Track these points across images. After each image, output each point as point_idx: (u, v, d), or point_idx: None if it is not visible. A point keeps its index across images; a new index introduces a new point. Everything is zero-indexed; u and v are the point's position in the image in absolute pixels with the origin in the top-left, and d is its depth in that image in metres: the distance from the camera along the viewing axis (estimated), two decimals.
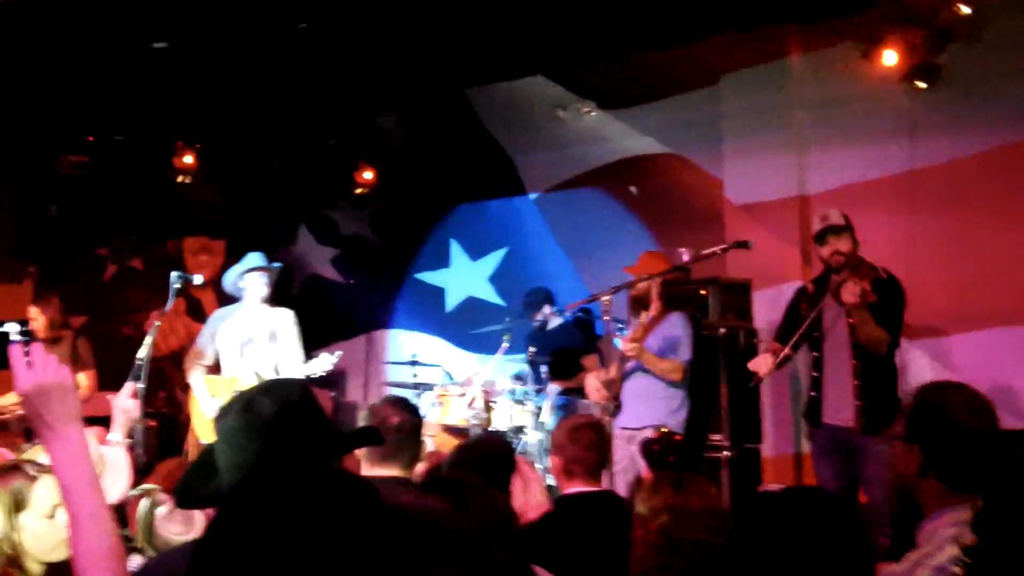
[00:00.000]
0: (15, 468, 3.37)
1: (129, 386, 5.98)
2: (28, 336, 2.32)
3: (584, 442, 5.07)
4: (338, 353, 8.36)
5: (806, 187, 9.70)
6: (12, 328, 2.22)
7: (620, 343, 7.84)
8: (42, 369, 2.36)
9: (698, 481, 3.90)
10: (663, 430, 7.38)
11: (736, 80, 10.06)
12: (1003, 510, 2.17)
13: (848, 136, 9.50)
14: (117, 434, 5.45)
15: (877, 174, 9.33)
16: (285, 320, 8.66)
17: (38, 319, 9.28)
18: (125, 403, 5.68)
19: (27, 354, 2.36)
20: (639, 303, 7.92)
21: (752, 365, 7.41)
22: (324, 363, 8.24)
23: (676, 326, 7.84)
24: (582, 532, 4.66)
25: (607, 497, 5.06)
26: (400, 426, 4.86)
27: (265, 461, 2.69)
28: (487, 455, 4.48)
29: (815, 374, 7.27)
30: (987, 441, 3.39)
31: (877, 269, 7.11)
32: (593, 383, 8.01)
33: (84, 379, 9.31)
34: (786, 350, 7.18)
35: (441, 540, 2.26)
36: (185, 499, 2.95)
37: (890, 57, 8.67)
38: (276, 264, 8.79)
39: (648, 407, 7.65)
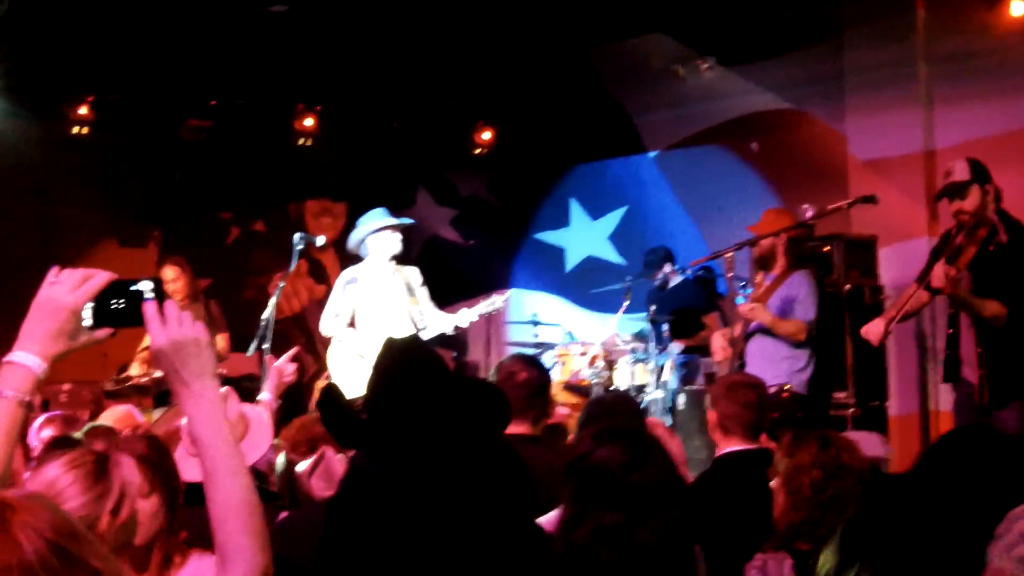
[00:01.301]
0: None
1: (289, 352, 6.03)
2: (162, 293, 2.35)
3: (740, 399, 5.03)
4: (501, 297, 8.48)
5: (932, 142, 9.49)
6: (145, 286, 2.26)
7: (740, 306, 7.73)
8: (176, 325, 2.37)
9: (840, 437, 3.91)
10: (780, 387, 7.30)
11: (860, 34, 9.86)
12: None
13: (975, 90, 9.28)
14: (267, 394, 5.54)
15: (1005, 128, 9.10)
16: (416, 276, 8.67)
17: (177, 280, 9.43)
18: (286, 366, 5.77)
19: (162, 310, 2.38)
20: (763, 262, 7.83)
21: (864, 332, 7.25)
22: (471, 314, 8.28)
23: (800, 285, 7.70)
24: (740, 492, 4.62)
25: (765, 456, 4.85)
26: (527, 382, 4.87)
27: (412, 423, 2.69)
28: (617, 411, 4.45)
29: (950, 330, 7.04)
30: None
31: (999, 230, 6.67)
32: (719, 341, 7.93)
33: (220, 341, 9.44)
34: (904, 306, 6.93)
35: None
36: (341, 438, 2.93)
37: (1018, 8, 8.44)
38: (406, 220, 8.81)
39: (772, 367, 7.51)
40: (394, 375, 2.85)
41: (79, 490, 2.91)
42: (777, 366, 7.51)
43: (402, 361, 2.88)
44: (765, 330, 7.63)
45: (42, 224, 12.11)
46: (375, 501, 2.30)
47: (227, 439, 2.39)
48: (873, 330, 7.07)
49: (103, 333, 2.40)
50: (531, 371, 4.92)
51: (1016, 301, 6.62)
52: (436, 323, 8.51)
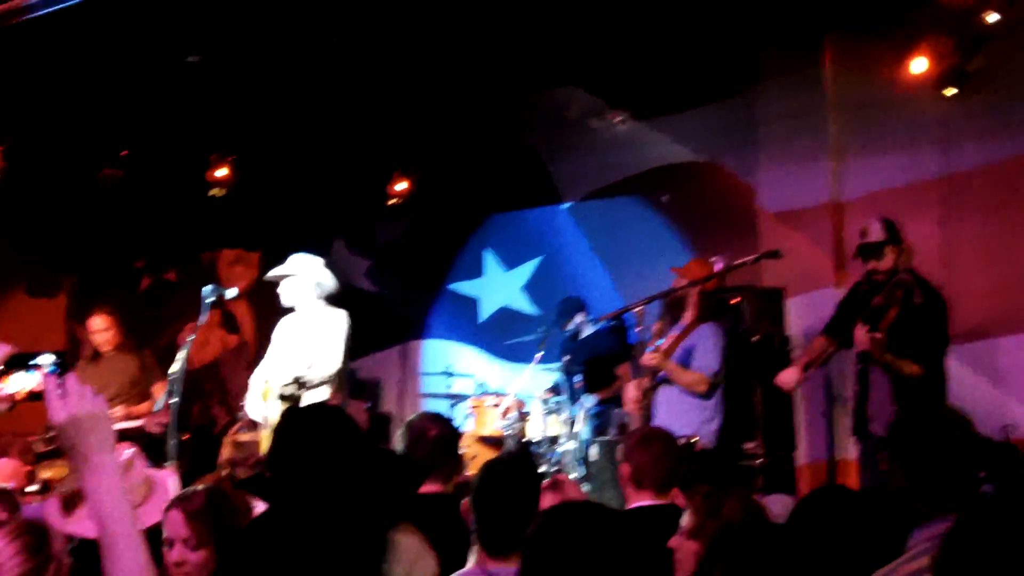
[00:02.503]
0: None
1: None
2: (62, 367, 2.36)
3: (652, 452, 5.04)
4: None
5: (840, 194, 9.66)
6: (46, 360, 2.25)
7: (643, 356, 7.81)
8: (76, 400, 2.37)
9: (736, 493, 3.92)
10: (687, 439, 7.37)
11: (770, 86, 10.05)
12: (971, 527, 2.20)
13: (883, 142, 9.47)
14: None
15: (912, 179, 9.29)
16: (326, 322, 8.39)
17: (108, 330, 9.30)
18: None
19: (62, 385, 2.37)
20: (673, 310, 7.90)
21: (779, 380, 7.39)
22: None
23: (706, 337, 7.76)
24: (650, 548, 4.61)
25: (675, 512, 4.93)
26: (438, 439, 4.87)
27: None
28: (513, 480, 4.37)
29: (858, 388, 7.22)
30: (965, 461, 3.44)
31: (913, 292, 6.88)
32: (632, 392, 7.98)
33: (158, 392, 9.20)
34: (823, 352, 7.13)
35: None
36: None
37: (921, 64, 8.63)
38: (281, 274, 8.54)
39: (679, 418, 7.58)
40: (291, 441, 2.89)
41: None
42: (684, 417, 7.56)
43: (299, 429, 2.92)
44: (672, 381, 7.71)
45: None
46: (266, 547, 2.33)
47: (125, 512, 2.41)
48: (787, 378, 7.22)
49: (2, 406, 2.41)
50: (441, 428, 4.93)
51: (930, 361, 6.85)
52: (319, 370, 8.21)
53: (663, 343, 7.75)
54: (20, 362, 2.42)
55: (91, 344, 9.46)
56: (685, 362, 7.67)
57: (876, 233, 7.11)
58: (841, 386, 8.54)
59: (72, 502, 4.99)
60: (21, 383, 2.42)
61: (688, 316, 7.77)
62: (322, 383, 8.03)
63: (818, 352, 7.47)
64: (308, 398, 7.98)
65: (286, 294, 8.32)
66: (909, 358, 6.87)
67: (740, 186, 10.46)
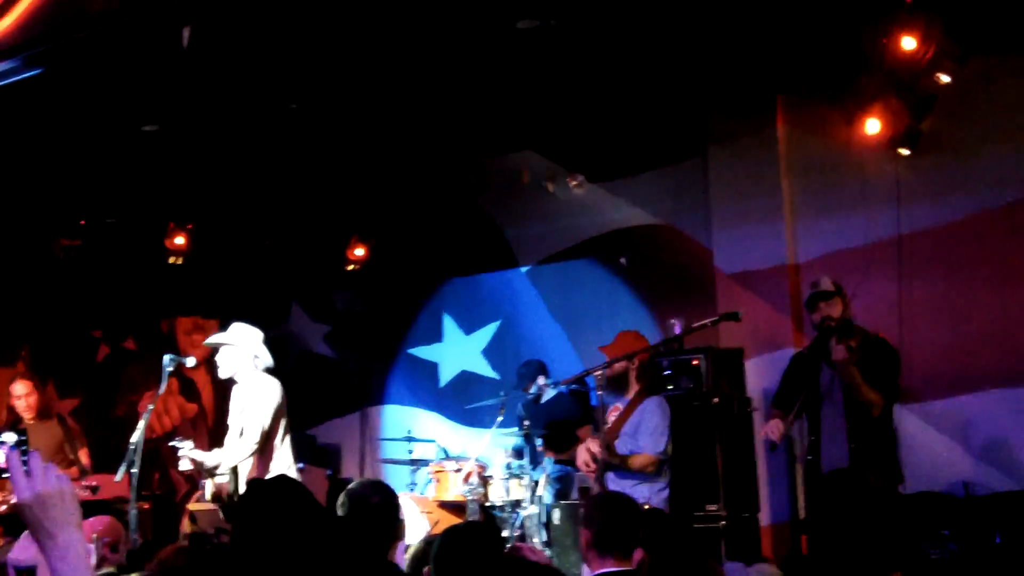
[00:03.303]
0: None
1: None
2: (25, 445, 2.33)
3: (614, 517, 5.02)
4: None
5: (796, 255, 9.76)
6: (9, 438, 2.23)
7: (592, 446, 7.87)
8: (41, 478, 2.37)
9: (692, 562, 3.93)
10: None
11: (723, 149, 10.15)
12: None
13: (836, 203, 9.59)
14: None
15: (866, 240, 9.40)
16: (258, 390, 8.41)
17: (29, 396, 9.23)
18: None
19: (26, 463, 2.37)
20: (615, 385, 7.91)
21: (764, 431, 7.46)
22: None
23: (651, 413, 7.71)
24: None
25: None
26: (378, 507, 4.86)
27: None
28: (473, 547, 4.37)
29: (812, 437, 7.34)
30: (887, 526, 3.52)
31: (868, 331, 7.34)
32: (583, 456, 7.96)
33: (84, 457, 9.24)
34: (789, 417, 7.27)
35: None
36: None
37: (874, 125, 8.74)
38: (219, 342, 8.59)
39: (630, 489, 7.62)
40: (251, 512, 2.91)
41: None
42: (635, 489, 7.58)
43: (257, 501, 2.94)
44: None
45: None
46: None
47: None
48: (775, 428, 7.30)
49: None
50: (379, 495, 4.91)
51: (885, 400, 7.07)
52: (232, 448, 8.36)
53: (612, 421, 7.79)
54: None
55: (15, 410, 9.34)
56: (633, 435, 7.68)
57: (827, 284, 7.41)
58: (802, 445, 8.59)
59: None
60: None
61: (631, 390, 7.80)
62: (251, 453, 8.19)
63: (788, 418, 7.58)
64: (244, 468, 8.25)
65: (223, 364, 8.42)
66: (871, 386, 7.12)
67: (696, 248, 10.54)
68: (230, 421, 8.51)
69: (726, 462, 8.61)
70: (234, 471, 8.26)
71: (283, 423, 8.35)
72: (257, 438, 8.11)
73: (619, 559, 4.95)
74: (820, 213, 9.70)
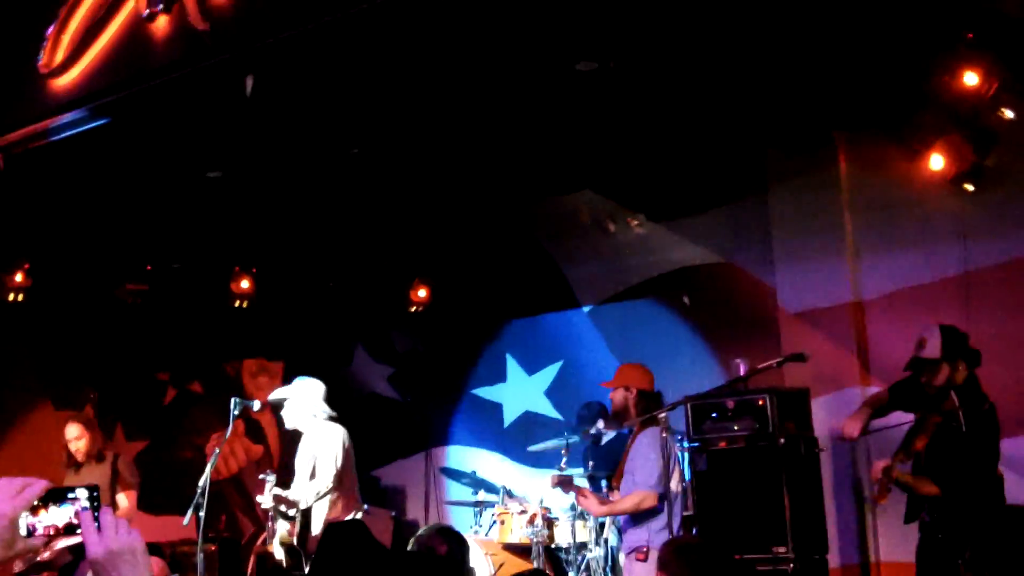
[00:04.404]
0: None
1: None
2: (97, 501, 2.35)
3: (690, 563, 4.99)
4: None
5: (860, 292, 9.66)
6: (82, 494, 2.26)
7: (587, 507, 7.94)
8: (112, 534, 2.38)
9: None
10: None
11: (784, 187, 10.09)
12: None
13: (900, 240, 9.49)
14: None
15: (931, 277, 9.29)
16: (322, 439, 8.76)
17: (81, 439, 9.31)
18: None
19: (97, 519, 2.39)
20: (618, 418, 7.90)
21: (843, 426, 7.35)
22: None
23: (644, 447, 7.66)
24: None
25: None
26: (447, 556, 4.87)
27: None
28: None
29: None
30: None
31: (956, 417, 6.88)
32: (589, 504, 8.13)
33: (124, 500, 9.30)
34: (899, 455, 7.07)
35: None
36: None
37: (937, 161, 8.65)
38: (280, 397, 9.08)
39: (632, 529, 7.63)
40: (329, 556, 2.92)
41: None
42: (636, 528, 7.56)
43: (336, 544, 2.96)
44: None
45: None
46: None
47: None
48: (851, 426, 7.18)
49: (39, 541, 2.42)
50: (449, 544, 4.92)
51: (958, 481, 6.82)
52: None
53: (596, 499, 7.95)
54: (56, 496, 2.44)
55: (68, 454, 9.42)
56: (632, 473, 7.64)
57: (933, 349, 6.98)
58: (871, 488, 8.49)
59: None
60: (56, 517, 2.44)
61: (634, 423, 7.77)
62: (320, 497, 8.62)
63: (878, 400, 7.45)
64: (316, 511, 8.66)
65: (288, 417, 8.83)
66: (930, 478, 6.89)
67: (759, 286, 10.47)
68: (297, 466, 8.72)
69: (793, 503, 8.51)
70: (303, 515, 8.47)
71: (350, 468, 8.63)
72: (330, 481, 8.46)
73: None
74: (883, 250, 9.60)
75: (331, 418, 8.91)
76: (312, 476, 8.65)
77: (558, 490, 8.60)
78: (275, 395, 9.02)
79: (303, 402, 8.86)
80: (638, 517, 7.56)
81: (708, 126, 9.47)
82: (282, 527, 8.68)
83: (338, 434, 8.75)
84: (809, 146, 9.84)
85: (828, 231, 9.83)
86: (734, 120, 9.38)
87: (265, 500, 8.52)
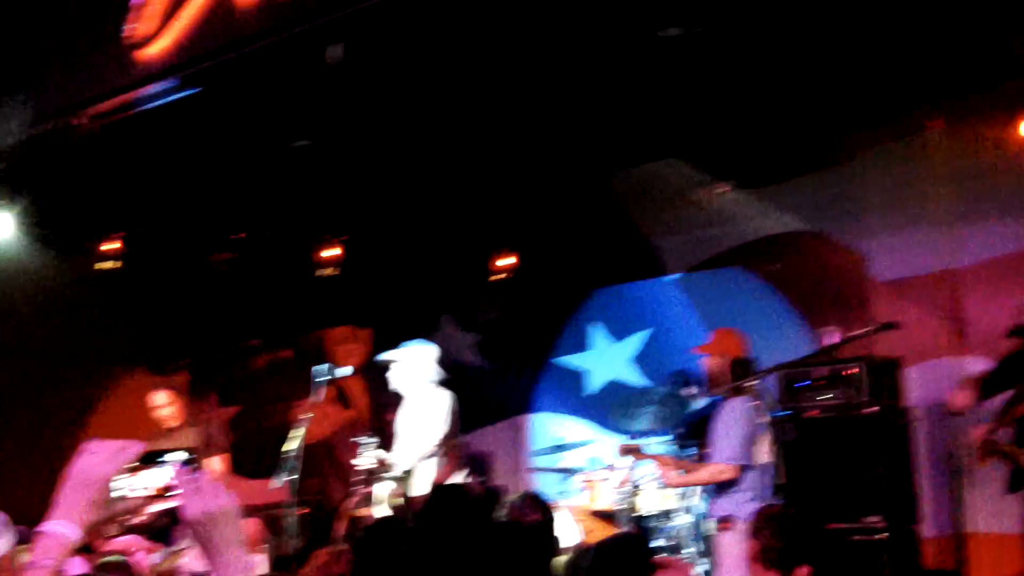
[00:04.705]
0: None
1: None
2: (196, 463, 2.39)
3: (781, 531, 4.97)
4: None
5: (953, 261, 9.52)
6: (178, 457, 2.29)
7: (665, 476, 7.92)
8: (210, 496, 2.42)
9: None
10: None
11: (874, 155, 9.96)
12: None
13: (993, 208, 9.36)
14: None
15: None
16: (430, 404, 8.81)
17: (172, 405, 9.43)
18: None
19: (195, 480, 2.42)
20: (713, 384, 7.82)
21: (952, 397, 7.25)
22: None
23: (728, 416, 7.57)
24: None
25: None
26: (537, 524, 4.88)
27: None
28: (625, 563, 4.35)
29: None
30: None
31: None
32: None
33: (218, 463, 9.40)
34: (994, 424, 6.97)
35: None
36: None
37: None
38: (389, 359, 9.19)
39: (719, 499, 7.57)
40: (434, 516, 2.93)
41: None
42: (721, 497, 7.49)
43: (441, 506, 2.97)
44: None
45: (74, 356, 12.23)
46: None
47: None
48: (963, 397, 7.09)
49: (136, 503, 2.45)
50: (538, 512, 4.93)
51: None
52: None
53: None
54: (151, 459, 2.47)
55: (159, 421, 9.52)
56: (715, 440, 7.58)
57: None
58: (966, 456, 8.37)
59: None
60: (152, 479, 2.47)
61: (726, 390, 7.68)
62: (422, 461, 8.82)
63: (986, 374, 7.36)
64: (420, 472, 8.80)
65: (393, 379, 8.86)
66: None
67: (849, 255, 10.36)
68: (400, 429, 8.83)
69: (885, 473, 8.43)
70: (407, 476, 8.61)
71: (455, 433, 8.74)
72: (433, 445, 8.51)
73: (782, 574, 4.90)
74: (976, 218, 9.46)
75: (441, 382, 9.00)
76: (416, 440, 8.72)
77: (630, 457, 8.60)
78: (384, 356, 9.09)
79: (415, 366, 8.94)
80: (723, 487, 7.51)
81: (797, 92, 9.34)
82: (384, 488, 8.80)
83: (445, 399, 8.86)
84: (900, 114, 9.69)
85: (919, 199, 9.71)
86: (824, 86, 9.25)
87: (365, 462, 8.61)
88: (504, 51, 8.13)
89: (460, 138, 9.84)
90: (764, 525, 5.10)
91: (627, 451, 8.44)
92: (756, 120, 9.88)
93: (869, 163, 10.05)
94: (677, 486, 8.37)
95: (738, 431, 7.42)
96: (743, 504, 7.30)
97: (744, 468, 7.40)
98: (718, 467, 7.48)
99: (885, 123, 9.82)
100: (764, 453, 7.50)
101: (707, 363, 7.87)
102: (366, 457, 8.64)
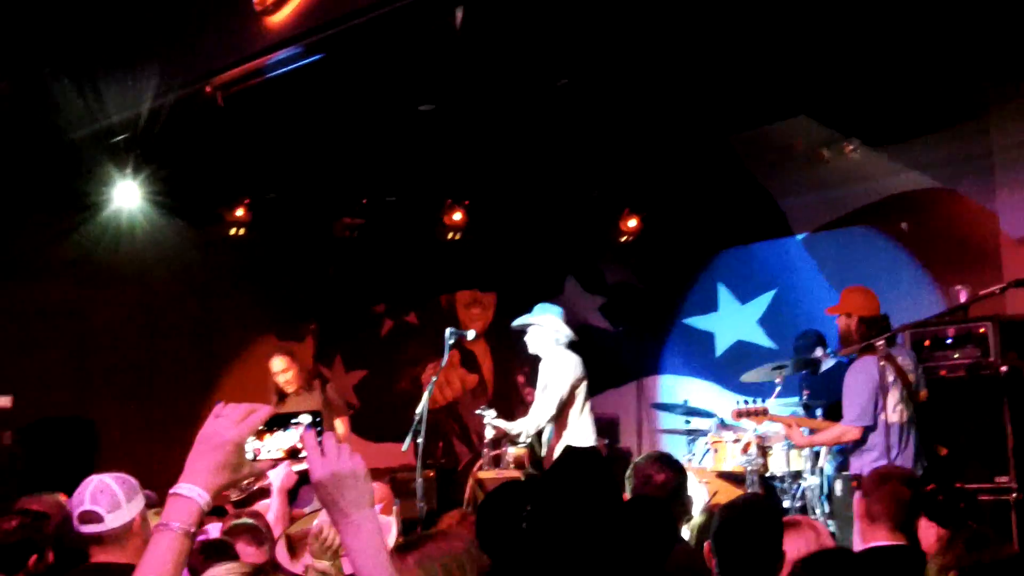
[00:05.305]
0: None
1: None
2: (320, 425, 2.43)
3: (887, 492, 4.94)
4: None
5: None
6: (305, 419, 2.34)
7: (792, 437, 7.87)
8: (335, 458, 2.44)
9: (989, 536, 3.80)
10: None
11: (1006, 112, 9.74)
12: None
13: None
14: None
15: None
16: (556, 366, 8.84)
17: (288, 370, 9.58)
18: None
19: (321, 443, 2.46)
20: (845, 342, 7.71)
21: None
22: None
23: (853, 376, 7.50)
24: None
25: (909, 553, 4.75)
26: (664, 484, 4.88)
27: None
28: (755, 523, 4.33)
29: None
30: None
31: None
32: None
33: (340, 425, 9.55)
34: None
35: None
36: None
37: None
38: (523, 323, 9.12)
39: (850, 459, 7.52)
40: (563, 477, 2.95)
41: None
42: (853, 460, 7.43)
43: (571, 467, 2.99)
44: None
45: (203, 322, 12.50)
46: None
47: (386, 568, 2.44)
48: None
49: (265, 465, 2.51)
50: (667, 472, 4.92)
51: None
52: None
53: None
54: (279, 421, 2.51)
55: (276, 386, 9.65)
56: (842, 403, 7.51)
57: None
58: None
59: (299, 544, 5.19)
60: (281, 441, 2.51)
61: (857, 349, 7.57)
62: (542, 427, 8.81)
63: None
64: (551, 434, 8.85)
65: (531, 343, 8.93)
66: None
67: (979, 212, 10.17)
68: (537, 393, 8.93)
69: (1016, 433, 8.27)
70: (538, 438, 8.71)
71: (582, 396, 8.75)
72: (553, 409, 8.59)
73: (891, 533, 4.86)
74: None
75: (571, 344, 9.02)
76: (544, 402, 8.78)
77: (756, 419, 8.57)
78: (518, 321, 9.17)
79: (545, 328, 8.98)
80: (851, 447, 7.46)
81: (927, 49, 9.16)
82: (512, 451, 9.02)
83: (570, 362, 8.85)
84: None
85: None
86: (954, 44, 9.05)
87: (487, 432, 8.80)
88: (631, 11, 8.09)
89: (584, 99, 9.83)
90: (872, 485, 5.06)
91: (753, 413, 8.40)
92: (884, 75, 9.70)
93: (999, 119, 9.82)
94: (804, 447, 8.32)
95: (861, 392, 7.37)
96: (870, 464, 7.23)
97: (869, 428, 7.33)
98: (841, 428, 7.46)
99: (1017, 80, 9.59)
100: (896, 413, 7.42)
101: (838, 323, 7.82)
102: (488, 428, 8.81)
